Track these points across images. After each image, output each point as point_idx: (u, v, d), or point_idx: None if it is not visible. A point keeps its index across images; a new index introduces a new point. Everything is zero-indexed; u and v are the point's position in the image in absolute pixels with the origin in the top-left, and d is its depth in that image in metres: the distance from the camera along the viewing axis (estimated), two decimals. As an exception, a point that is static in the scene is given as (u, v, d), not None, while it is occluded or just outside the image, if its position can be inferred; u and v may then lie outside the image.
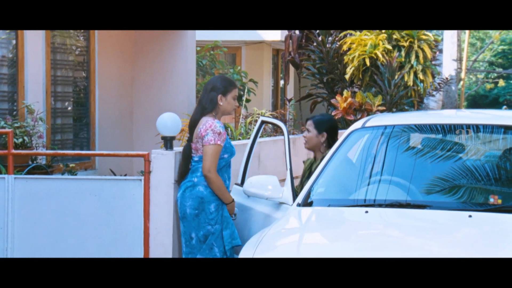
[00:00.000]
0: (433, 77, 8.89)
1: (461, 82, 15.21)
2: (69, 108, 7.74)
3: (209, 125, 4.45)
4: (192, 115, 4.68)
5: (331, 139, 5.02)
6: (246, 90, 10.06)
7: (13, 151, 5.11)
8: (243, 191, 4.53)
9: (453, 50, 13.59)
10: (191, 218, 4.48)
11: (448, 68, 13.46)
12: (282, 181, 4.50)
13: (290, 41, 9.87)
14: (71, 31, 7.60)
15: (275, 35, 12.84)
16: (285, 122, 10.06)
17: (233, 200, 4.56)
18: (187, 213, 4.48)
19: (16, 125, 6.33)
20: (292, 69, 11.58)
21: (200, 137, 4.46)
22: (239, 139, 7.59)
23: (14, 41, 6.83)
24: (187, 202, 4.49)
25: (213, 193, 4.50)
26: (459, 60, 14.12)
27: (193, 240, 4.49)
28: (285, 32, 10.62)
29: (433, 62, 8.87)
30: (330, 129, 5.07)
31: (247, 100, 10.37)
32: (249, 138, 7.58)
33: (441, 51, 11.04)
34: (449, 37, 13.52)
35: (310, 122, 5.12)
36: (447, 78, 10.84)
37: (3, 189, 4.92)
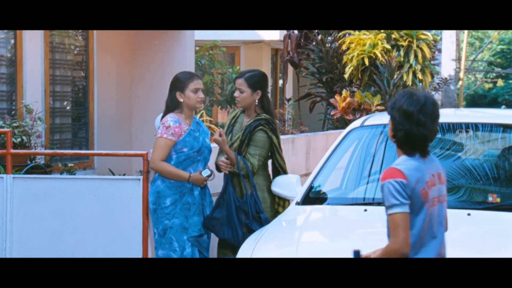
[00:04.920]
0: (432, 76, 8.91)
1: (460, 82, 15.21)
2: (68, 108, 7.73)
3: (164, 120, 4.51)
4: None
5: (265, 97, 4.62)
6: (245, 90, 10.03)
7: (12, 150, 5.10)
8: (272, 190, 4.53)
9: (452, 49, 13.59)
10: (152, 213, 4.56)
11: (447, 67, 13.47)
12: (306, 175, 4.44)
13: (289, 40, 9.87)
14: (70, 30, 7.60)
15: (274, 35, 12.83)
16: (283, 121, 10.06)
17: (190, 175, 4.43)
18: (150, 209, 4.57)
19: (14, 124, 6.33)
20: (290, 68, 11.58)
21: None
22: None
23: (12, 41, 6.82)
24: (150, 198, 4.56)
25: (169, 187, 4.48)
26: (458, 59, 14.12)
27: (155, 235, 4.54)
28: (284, 31, 10.62)
29: (432, 62, 8.88)
30: (264, 86, 4.61)
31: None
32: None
33: (440, 50, 11.05)
34: (448, 36, 13.53)
35: (241, 81, 4.56)
36: (446, 78, 10.86)
37: (2, 188, 4.92)
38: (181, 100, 4.54)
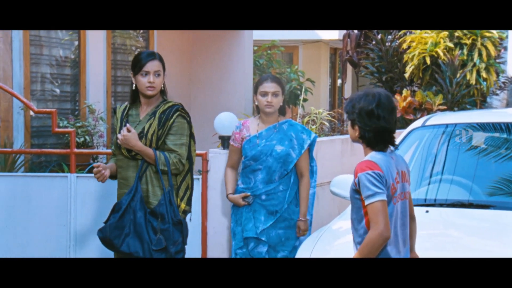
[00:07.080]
0: (497, 75, 8.65)
1: (526, 81, 14.73)
2: (129, 108, 7.86)
3: None
4: None
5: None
6: (303, 90, 10.02)
7: (75, 150, 5.22)
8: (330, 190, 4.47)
9: (517, 47, 13.17)
10: None
11: (512, 66, 13.05)
12: None
13: (348, 39, 9.78)
14: (131, 32, 7.73)
15: (333, 34, 12.75)
16: (342, 121, 9.97)
17: (229, 193, 4.42)
18: None
19: (78, 124, 6.48)
20: (349, 68, 11.48)
21: None
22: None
23: (76, 42, 6.98)
24: None
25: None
26: (524, 57, 13.68)
27: None
28: (343, 31, 10.53)
29: (497, 60, 8.62)
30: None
31: (304, 100, 10.32)
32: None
33: (505, 48, 10.71)
34: (514, 34, 13.11)
35: (157, 62, 3.79)
36: None
37: (66, 187, 5.04)
38: (256, 103, 4.49)
